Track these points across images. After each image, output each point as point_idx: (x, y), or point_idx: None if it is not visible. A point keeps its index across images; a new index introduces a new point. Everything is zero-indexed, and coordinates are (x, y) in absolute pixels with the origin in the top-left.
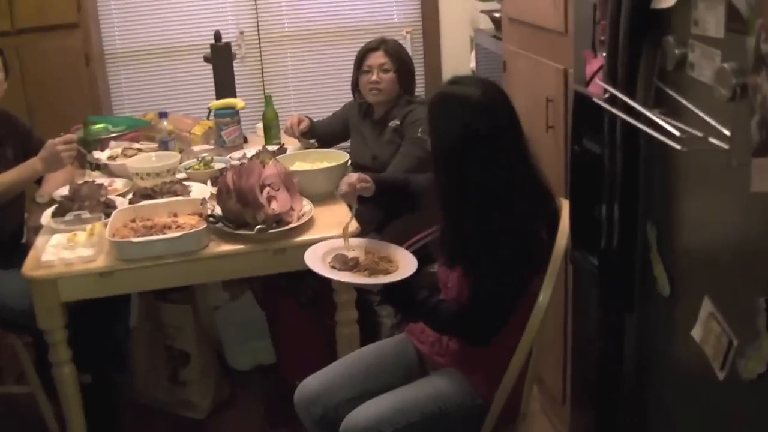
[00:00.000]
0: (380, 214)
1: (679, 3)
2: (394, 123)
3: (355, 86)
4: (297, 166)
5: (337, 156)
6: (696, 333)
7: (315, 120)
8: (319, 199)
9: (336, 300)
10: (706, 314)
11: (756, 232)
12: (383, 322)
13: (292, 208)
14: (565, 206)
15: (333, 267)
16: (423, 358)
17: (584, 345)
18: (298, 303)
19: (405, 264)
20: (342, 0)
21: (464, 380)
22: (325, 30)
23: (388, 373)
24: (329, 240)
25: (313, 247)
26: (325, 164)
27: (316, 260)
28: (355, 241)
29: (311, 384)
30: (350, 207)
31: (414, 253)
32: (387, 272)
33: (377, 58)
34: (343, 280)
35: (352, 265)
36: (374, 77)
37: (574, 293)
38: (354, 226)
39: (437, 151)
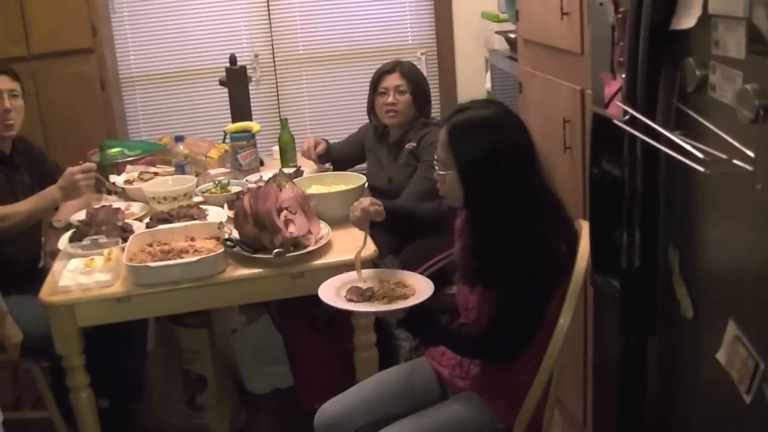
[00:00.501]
0: (394, 238)
1: (699, 24)
2: (410, 146)
3: (371, 108)
4: (314, 189)
5: (353, 179)
6: (721, 356)
7: (331, 143)
8: (336, 222)
9: (354, 323)
10: (731, 337)
11: None
12: (401, 345)
13: (309, 232)
14: (584, 228)
15: (350, 300)
16: (443, 381)
17: (605, 368)
18: (315, 327)
19: (421, 287)
20: (357, 22)
21: (484, 405)
22: (339, 52)
23: (407, 397)
24: (340, 275)
25: (325, 283)
26: (342, 187)
27: (331, 295)
28: (366, 272)
29: (330, 409)
30: (364, 232)
31: (430, 276)
32: (405, 297)
33: (393, 80)
34: (363, 310)
35: (369, 296)
36: (390, 99)
37: (595, 316)
38: (370, 249)
39: (462, 176)
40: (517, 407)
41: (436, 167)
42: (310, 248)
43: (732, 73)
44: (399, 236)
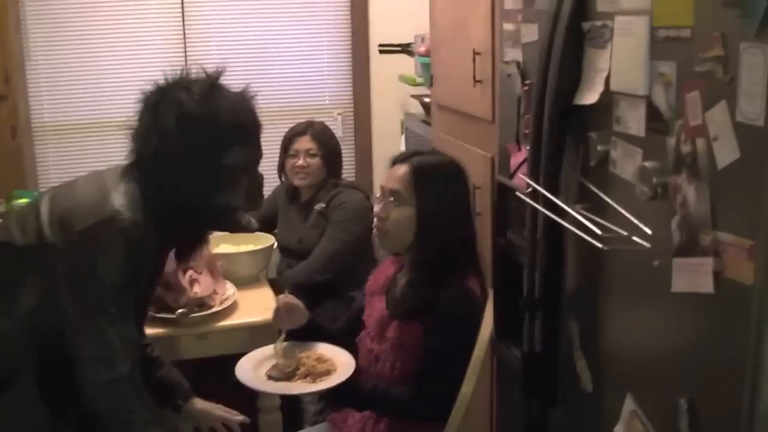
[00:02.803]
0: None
1: (602, 100)
2: (319, 206)
3: (281, 169)
4: (222, 248)
5: (262, 239)
6: (619, 430)
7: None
8: (243, 283)
9: None
10: (628, 412)
11: (677, 333)
12: (306, 408)
13: (215, 292)
14: (490, 296)
15: (270, 378)
16: None
17: None
18: (218, 387)
19: (341, 361)
20: (274, 81)
21: None
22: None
23: None
24: (254, 352)
25: (240, 363)
26: (251, 247)
27: (250, 377)
28: (281, 346)
29: None
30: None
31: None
32: (328, 373)
33: (304, 143)
34: (288, 393)
35: (289, 373)
36: (300, 162)
37: (499, 384)
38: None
39: (423, 213)
40: None
41: (392, 200)
42: (215, 309)
43: (632, 149)
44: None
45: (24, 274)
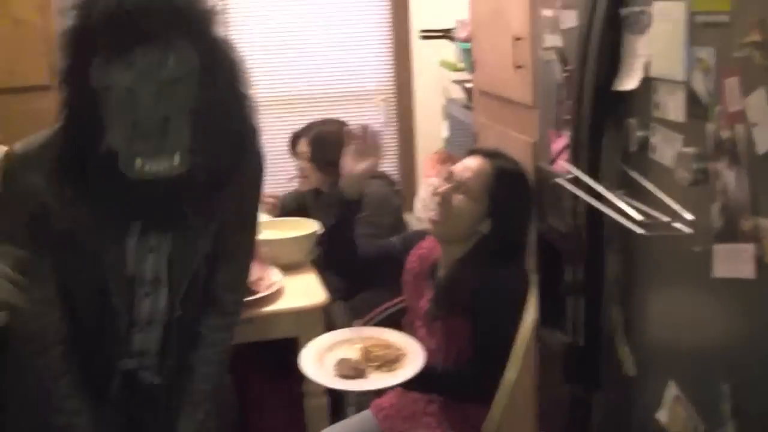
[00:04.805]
0: (345, 283)
1: (641, 86)
2: None
3: None
4: (266, 234)
5: (306, 225)
6: (662, 416)
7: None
8: (288, 268)
9: None
10: (671, 398)
11: (719, 318)
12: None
13: (260, 278)
14: (533, 282)
15: (344, 376)
16: None
17: (553, 422)
18: (265, 372)
19: (403, 343)
20: (317, 67)
21: None
22: (299, 97)
23: None
24: (309, 346)
25: (302, 360)
26: (295, 233)
27: (323, 376)
28: (335, 335)
29: None
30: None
31: (380, 323)
32: (397, 359)
33: (302, 146)
34: (376, 388)
35: (362, 368)
36: (299, 163)
37: (543, 369)
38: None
39: (495, 216)
40: None
41: (457, 187)
42: (260, 294)
43: (672, 135)
44: (354, 281)
45: None
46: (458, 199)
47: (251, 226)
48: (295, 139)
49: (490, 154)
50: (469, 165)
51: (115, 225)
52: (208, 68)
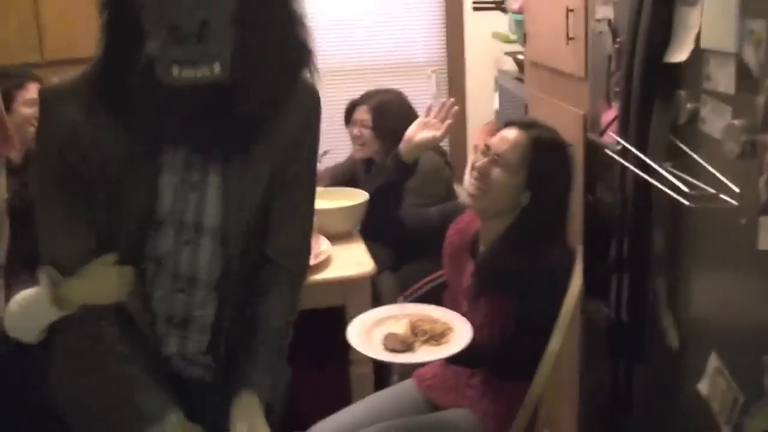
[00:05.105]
0: (392, 254)
1: (692, 58)
2: None
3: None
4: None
5: (355, 195)
6: (703, 387)
7: (334, 166)
8: (337, 238)
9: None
10: (712, 369)
11: (762, 291)
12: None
13: None
14: (579, 253)
15: (393, 350)
16: (432, 404)
17: (596, 394)
18: (309, 341)
19: (449, 318)
20: (367, 38)
21: (476, 424)
22: (349, 68)
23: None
24: (354, 322)
25: (350, 335)
26: (344, 203)
27: (372, 349)
28: (381, 312)
29: (322, 430)
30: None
31: (422, 297)
32: (444, 333)
33: (361, 113)
34: (425, 360)
35: (410, 341)
36: (356, 131)
37: (586, 341)
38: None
39: (534, 189)
40: (509, 427)
41: (495, 161)
42: (309, 263)
43: (722, 107)
44: (400, 252)
45: None
46: (496, 172)
47: (308, 183)
48: (353, 107)
49: (526, 125)
50: (506, 137)
51: (150, 154)
52: None
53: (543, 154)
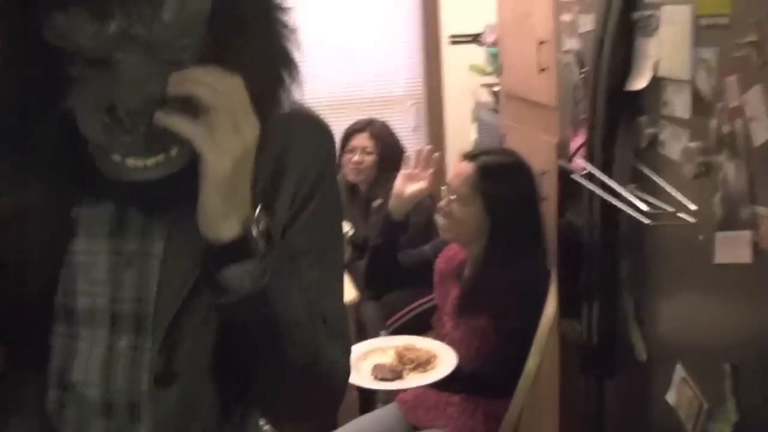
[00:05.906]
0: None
1: (651, 85)
2: (377, 203)
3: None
4: None
5: None
6: (670, 397)
7: None
8: None
9: None
10: (678, 379)
11: (720, 301)
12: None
13: None
14: (553, 276)
15: (384, 379)
16: (412, 425)
17: (572, 409)
18: None
19: (432, 346)
20: (347, 72)
21: None
22: (329, 102)
23: None
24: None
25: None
26: None
27: (363, 379)
28: (370, 344)
29: None
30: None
31: (407, 323)
32: (429, 361)
33: (362, 140)
34: (420, 384)
35: (399, 370)
36: (356, 158)
37: (565, 358)
38: (351, 294)
39: (492, 212)
40: None
41: (452, 199)
42: None
43: (678, 131)
44: (379, 281)
45: None
46: (455, 207)
47: (331, 253)
48: (351, 134)
49: (473, 155)
50: (458, 172)
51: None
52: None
53: (490, 180)
